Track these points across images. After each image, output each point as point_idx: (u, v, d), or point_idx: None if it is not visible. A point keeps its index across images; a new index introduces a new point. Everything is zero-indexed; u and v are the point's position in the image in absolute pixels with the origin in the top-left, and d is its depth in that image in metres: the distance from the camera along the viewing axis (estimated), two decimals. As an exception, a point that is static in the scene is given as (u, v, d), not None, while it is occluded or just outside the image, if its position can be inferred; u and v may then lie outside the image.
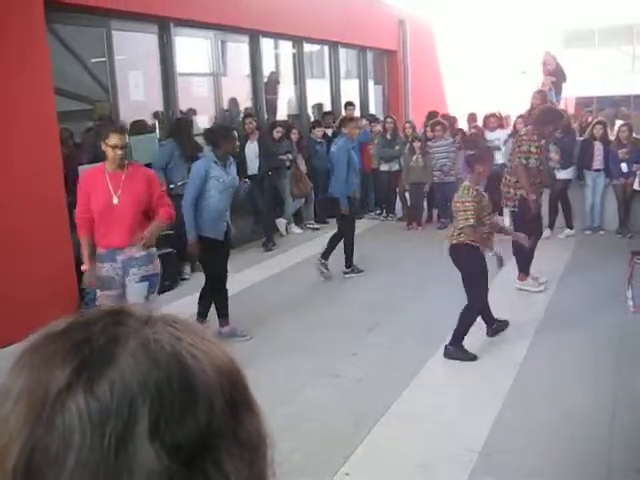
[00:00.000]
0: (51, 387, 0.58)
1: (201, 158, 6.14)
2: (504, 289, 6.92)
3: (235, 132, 6.42)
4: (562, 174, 9.47)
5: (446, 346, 5.46)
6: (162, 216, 4.90)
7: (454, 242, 5.48)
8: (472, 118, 11.96)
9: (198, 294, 6.22)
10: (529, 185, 6.79)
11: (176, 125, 8.30)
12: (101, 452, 0.56)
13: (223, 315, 6.11)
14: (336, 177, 8.00)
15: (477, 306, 5.51)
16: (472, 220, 5.33)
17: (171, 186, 7.79)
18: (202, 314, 6.04)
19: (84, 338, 0.61)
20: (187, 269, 8.17)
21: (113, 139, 4.65)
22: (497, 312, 5.90)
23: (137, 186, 4.79)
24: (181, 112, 8.83)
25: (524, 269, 7.15)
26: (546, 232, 9.20)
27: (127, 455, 0.57)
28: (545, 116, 7.04)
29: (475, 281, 5.46)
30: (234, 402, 0.63)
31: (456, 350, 5.44)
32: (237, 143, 6.39)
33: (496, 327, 5.88)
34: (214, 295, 6.12)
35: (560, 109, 9.85)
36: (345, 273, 8.11)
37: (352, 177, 8.03)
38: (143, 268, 4.85)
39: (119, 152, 4.68)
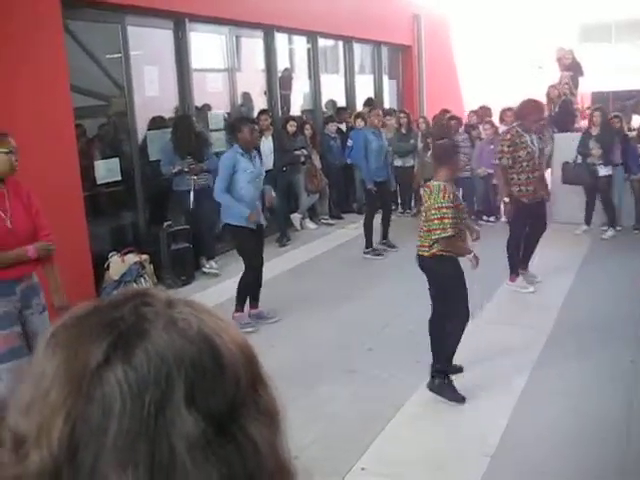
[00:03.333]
0: (90, 361, 0.62)
1: (228, 151, 6.33)
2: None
3: (250, 123, 6.49)
4: (603, 171, 9.21)
5: (432, 377, 4.68)
6: (44, 243, 4.25)
7: (425, 254, 4.65)
8: (485, 112, 11.85)
9: (236, 282, 6.40)
10: (504, 185, 6.90)
11: (175, 121, 8.33)
12: (141, 419, 0.60)
13: (256, 299, 6.42)
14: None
15: (463, 320, 4.72)
16: (450, 230, 4.47)
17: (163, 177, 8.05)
18: (241, 302, 6.29)
19: (116, 317, 0.65)
20: (210, 263, 8.14)
21: (9, 143, 4.02)
22: (510, 314, 5.86)
23: (24, 202, 4.16)
24: (196, 108, 8.84)
25: (515, 270, 7.15)
26: (582, 227, 9.39)
27: (166, 421, 0.61)
28: (524, 108, 6.98)
29: (454, 295, 4.69)
30: (253, 375, 0.69)
31: (442, 386, 4.65)
32: (256, 134, 6.48)
33: (447, 369, 4.78)
34: (250, 281, 6.31)
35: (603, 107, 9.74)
36: (365, 253, 8.65)
37: (372, 162, 8.68)
38: (42, 295, 4.27)
39: (14, 157, 4.05)
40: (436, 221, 4.46)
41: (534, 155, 6.83)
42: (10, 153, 4.02)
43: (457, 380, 4.79)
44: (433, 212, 4.50)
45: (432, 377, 4.67)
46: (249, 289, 6.34)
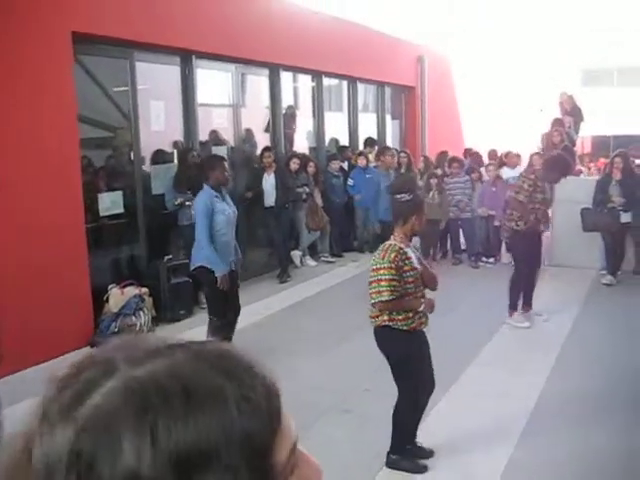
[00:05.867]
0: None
1: (199, 194, 6.05)
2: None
3: (224, 161, 6.23)
4: (624, 217, 8.98)
5: (388, 454, 4.35)
6: None
7: (376, 324, 4.23)
8: (492, 155, 12.03)
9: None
10: (522, 210, 6.95)
11: (178, 156, 8.41)
12: None
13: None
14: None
15: (407, 401, 4.27)
16: (386, 294, 4.02)
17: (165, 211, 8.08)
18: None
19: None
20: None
21: None
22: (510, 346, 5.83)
23: None
24: (201, 143, 8.93)
25: (514, 306, 7.29)
26: (607, 279, 9.04)
27: None
28: (554, 163, 7.19)
29: (402, 371, 4.24)
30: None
31: (399, 460, 4.33)
32: (227, 173, 6.11)
33: (402, 447, 4.37)
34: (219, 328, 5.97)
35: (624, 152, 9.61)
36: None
37: (382, 203, 9.07)
38: None
39: None
40: (373, 284, 4.09)
41: (548, 202, 7.18)
42: None
43: (460, 417, 4.76)
44: (371, 274, 4.15)
45: (387, 453, 4.36)
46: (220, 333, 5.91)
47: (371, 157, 11.59)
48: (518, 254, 7.27)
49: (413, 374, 4.21)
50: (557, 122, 12.21)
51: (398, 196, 4.48)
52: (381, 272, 4.05)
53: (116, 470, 0.59)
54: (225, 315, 6.06)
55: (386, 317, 4.13)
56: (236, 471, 0.61)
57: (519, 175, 7.84)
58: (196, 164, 8.09)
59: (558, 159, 7.25)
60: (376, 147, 12.16)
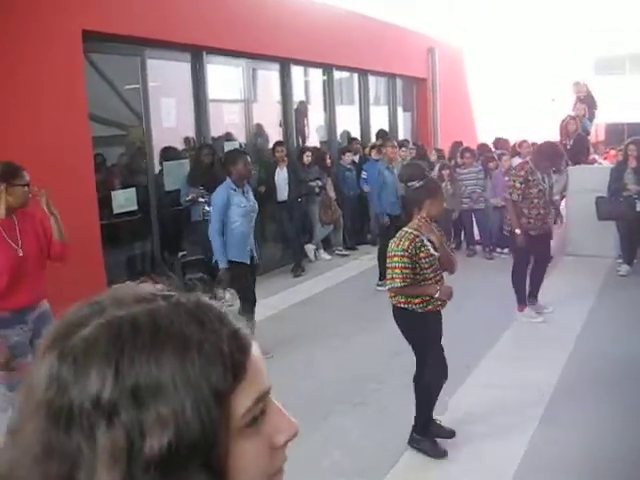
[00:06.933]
0: None
1: (218, 188, 6.14)
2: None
3: (246, 155, 6.30)
4: (639, 206, 8.77)
5: (411, 432, 4.44)
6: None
7: (393, 303, 4.36)
8: (504, 144, 11.98)
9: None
10: (515, 218, 6.94)
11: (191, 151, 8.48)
12: None
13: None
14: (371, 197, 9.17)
15: (431, 369, 4.34)
16: (399, 281, 4.13)
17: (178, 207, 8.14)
18: None
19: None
20: (226, 294, 8.17)
21: (26, 177, 4.16)
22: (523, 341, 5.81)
23: (36, 230, 4.29)
24: (213, 139, 8.95)
25: (522, 300, 7.21)
26: (624, 267, 8.96)
27: None
28: (545, 151, 7.10)
29: (421, 351, 4.36)
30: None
31: (422, 440, 4.40)
32: (249, 166, 6.20)
33: (425, 424, 4.45)
34: (249, 308, 6.16)
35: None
36: (378, 285, 8.34)
37: (386, 196, 8.63)
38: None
39: (27, 190, 4.18)
40: (388, 270, 4.21)
41: (545, 192, 6.96)
42: (26, 186, 4.17)
43: (467, 423, 4.76)
44: (387, 260, 4.27)
45: (411, 431, 4.43)
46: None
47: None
48: (516, 250, 7.19)
49: (431, 352, 4.31)
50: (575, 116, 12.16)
51: (410, 184, 4.42)
52: (395, 260, 4.14)
53: (84, 394, 0.66)
54: (253, 298, 6.21)
55: (403, 299, 4.24)
56: (185, 408, 0.67)
57: (510, 174, 7.72)
58: (209, 161, 8.13)
59: (545, 147, 7.16)
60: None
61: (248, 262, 6.12)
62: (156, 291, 0.77)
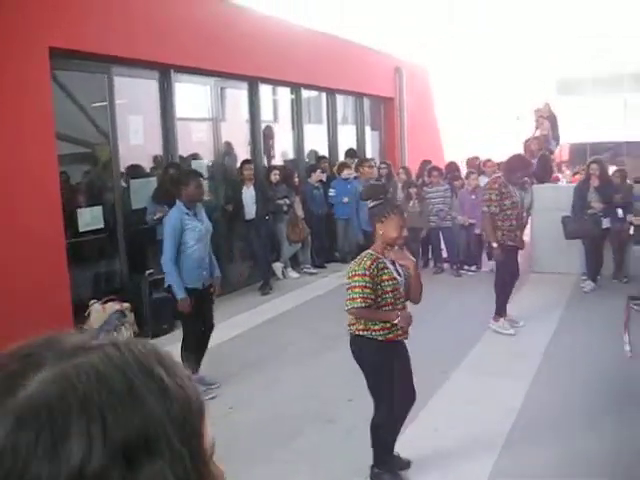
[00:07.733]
0: None
1: (170, 211, 5.84)
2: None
3: (199, 177, 6.01)
4: (604, 223, 9.08)
5: (371, 467, 4.28)
6: None
7: (350, 332, 4.18)
8: (472, 162, 12.13)
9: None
10: (491, 231, 7.14)
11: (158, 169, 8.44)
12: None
13: (198, 364, 5.80)
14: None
15: (383, 414, 4.13)
16: (359, 300, 3.96)
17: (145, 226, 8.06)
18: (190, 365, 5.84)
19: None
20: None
21: None
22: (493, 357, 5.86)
23: None
24: (180, 157, 8.92)
25: (501, 310, 7.36)
26: (587, 286, 9.03)
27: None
28: (513, 163, 7.32)
29: (376, 382, 4.12)
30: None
31: (382, 474, 4.26)
32: (201, 189, 5.93)
33: (383, 460, 4.29)
34: (192, 343, 5.78)
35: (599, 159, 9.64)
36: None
37: (363, 214, 8.72)
38: None
39: None
40: (348, 290, 4.04)
41: (518, 204, 7.17)
42: None
43: (436, 438, 4.76)
44: (346, 281, 4.12)
45: (371, 466, 4.29)
46: (191, 355, 5.63)
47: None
48: (499, 262, 7.34)
49: (387, 385, 4.09)
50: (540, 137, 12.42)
51: (368, 203, 4.37)
52: (355, 279, 3.99)
53: (59, 466, 0.56)
54: (198, 331, 5.89)
55: (362, 326, 4.08)
56: (181, 454, 0.62)
57: (484, 189, 7.87)
58: (172, 179, 8.07)
59: (515, 159, 7.39)
60: (356, 159, 12.20)
61: (200, 287, 5.82)
62: (92, 338, 0.69)
